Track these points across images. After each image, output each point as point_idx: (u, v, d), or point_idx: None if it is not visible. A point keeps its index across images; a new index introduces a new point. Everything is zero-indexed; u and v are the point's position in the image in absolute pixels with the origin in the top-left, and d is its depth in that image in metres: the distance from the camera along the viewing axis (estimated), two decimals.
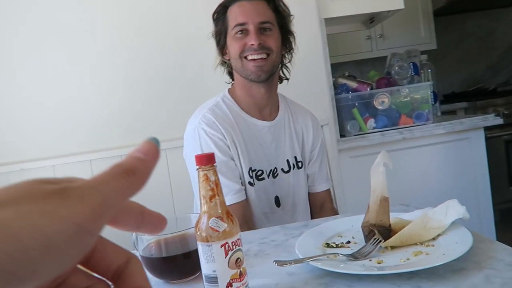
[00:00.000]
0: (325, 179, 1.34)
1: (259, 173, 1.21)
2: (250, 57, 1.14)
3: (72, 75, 1.76)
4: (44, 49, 1.74)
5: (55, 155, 1.73)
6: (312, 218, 1.34)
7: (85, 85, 1.77)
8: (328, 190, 1.35)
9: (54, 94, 1.75)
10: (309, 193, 1.33)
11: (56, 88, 1.75)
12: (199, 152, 1.13)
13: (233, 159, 1.17)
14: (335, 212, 1.36)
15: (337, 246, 0.79)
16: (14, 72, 1.72)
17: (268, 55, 1.15)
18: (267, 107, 1.24)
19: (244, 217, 1.14)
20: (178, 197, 1.75)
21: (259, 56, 1.14)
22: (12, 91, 1.72)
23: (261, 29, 1.14)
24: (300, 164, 1.28)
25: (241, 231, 1.05)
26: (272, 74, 1.19)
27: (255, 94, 1.21)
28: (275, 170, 1.24)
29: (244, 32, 1.14)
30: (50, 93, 1.74)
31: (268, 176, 1.22)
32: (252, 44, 1.12)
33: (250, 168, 1.19)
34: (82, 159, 1.72)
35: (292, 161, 1.26)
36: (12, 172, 1.69)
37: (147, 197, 1.58)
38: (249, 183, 1.18)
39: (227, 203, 1.09)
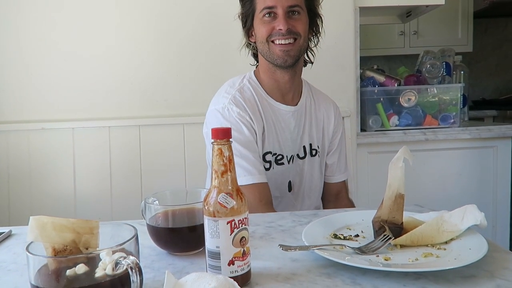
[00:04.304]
0: (343, 170, 1.33)
1: (279, 157, 1.20)
2: (277, 42, 1.13)
3: (97, 41, 1.77)
4: (71, 15, 1.74)
5: (74, 118, 1.76)
6: (326, 207, 1.33)
7: (109, 54, 1.77)
8: (344, 180, 1.33)
9: (79, 58, 1.76)
10: (325, 183, 1.32)
11: (80, 53, 1.76)
12: None
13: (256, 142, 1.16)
14: (351, 202, 1.35)
15: (344, 238, 0.78)
16: (40, 33, 1.74)
17: (295, 39, 1.13)
18: (290, 92, 1.23)
19: (270, 197, 1.13)
20: (190, 172, 1.76)
21: (287, 41, 1.12)
22: (37, 51, 1.74)
23: (290, 13, 1.13)
24: (314, 152, 1.26)
25: (265, 211, 1.05)
26: (298, 59, 1.17)
27: (279, 79, 1.19)
28: (293, 155, 1.23)
29: (272, 15, 1.13)
30: (74, 56, 1.75)
31: (288, 161, 1.22)
32: (280, 29, 1.11)
33: (270, 152, 1.18)
34: (101, 125, 1.74)
35: (307, 148, 1.24)
36: (33, 130, 1.73)
37: (161, 167, 1.62)
38: (264, 168, 1.17)
39: (255, 181, 1.09)
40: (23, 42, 1.73)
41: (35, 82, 1.75)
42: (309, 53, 1.26)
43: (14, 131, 1.72)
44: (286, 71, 1.17)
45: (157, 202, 0.80)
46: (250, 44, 1.24)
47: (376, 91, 1.92)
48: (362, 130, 1.94)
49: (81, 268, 0.52)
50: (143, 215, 0.80)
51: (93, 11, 1.75)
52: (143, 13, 1.77)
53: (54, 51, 1.75)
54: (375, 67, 2.14)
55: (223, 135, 0.61)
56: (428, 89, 1.93)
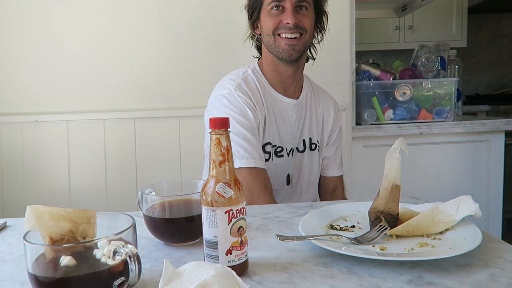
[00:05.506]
0: (339, 165, 1.33)
1: (279, 149, 1.20)
2: (283, 35, 1.13)
3: (92, 33, 1.75)
4: (65, 7, 1.72)
5: (68, 110, 1.74)
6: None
7: (105, 46, 1.75)
8: (341, 176, 1.34)
9: (73, 50, 1.74)
10: (321, 177, 1.32)
11: (75, 45, 1.74)
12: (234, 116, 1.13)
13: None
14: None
15: (341, 228, 0.78)
16: (35, 25, 1.72)
17: (301, 34, 1.14)
18: (292, 86, 1.23)
19: (271, 186, 1.14)
20: (186, 165, 1.75)
21: (293, 35, 1.13)
22: (32, 43, 1.72)
23: (297, 7, 1.13)
24: (313, 146, 1.26)
25: (265, 201, 1.06)
26: (302, 53, 1.18)
27: (281, 72, 1.20)
28: (293, 148, 1.23)
29: (280, 8, 1.13)
30: (69, 48, 1.74)
31: (288, 154, 1.22)
32: (288, 23, 1.11)
33: (270, 143, 1.19)
34: (96, 117, 1.73)
35: (307, 142, 1.25)
36: (26, 123, 1.71)
37: (156, 160, 1.61)
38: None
39: (257, 166, 1.10)
40: (17, 34, 1.71)
41: (29, 74, 1.73)
42: (311, 49, 1.26)
43: (7, 124, 1.71)
44: (290, 65, 1.18)
45: (154, 193, 0.80)
46: (255, 36, 1.24)
47: (371, 84, 1.93)
48: (357, 123, 1.94)
49: (64, 260, 0.51)
50: (139, 206, 0.79)
51: (88, 3, 1.73)
52: (139, 5, 1.75)
53: (48, 43, 1.73)
54: (371, 61, 2.14)
55: (221, 124, 0.61)
56: (423, 83, 1.94)
